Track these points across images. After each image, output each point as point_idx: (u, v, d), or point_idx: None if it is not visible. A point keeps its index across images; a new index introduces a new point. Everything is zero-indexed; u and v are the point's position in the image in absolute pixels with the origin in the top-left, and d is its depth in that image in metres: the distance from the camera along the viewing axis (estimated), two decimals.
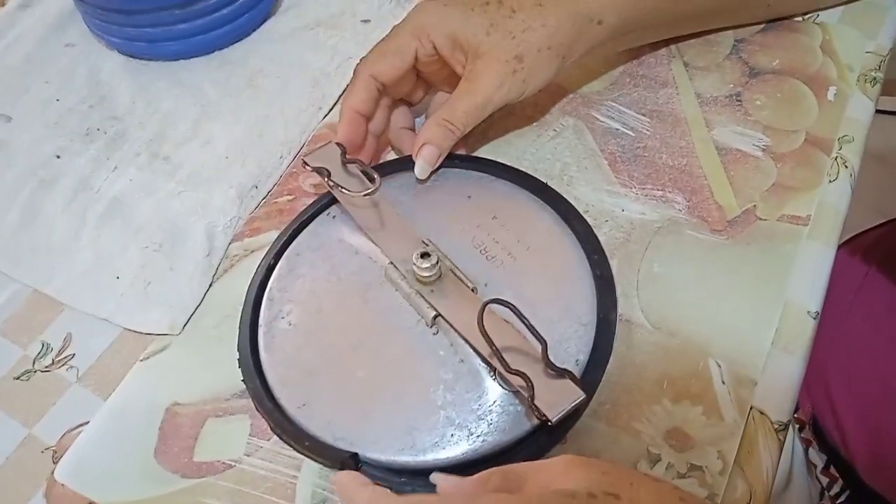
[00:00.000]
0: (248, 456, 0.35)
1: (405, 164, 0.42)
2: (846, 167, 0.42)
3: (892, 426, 0.47)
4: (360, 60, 0.41)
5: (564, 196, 0.41)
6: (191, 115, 0.47)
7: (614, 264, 0.39)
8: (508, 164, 0.43)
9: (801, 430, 0.52)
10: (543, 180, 0.42)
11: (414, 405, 0.34)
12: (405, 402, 0.34)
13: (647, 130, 0.45)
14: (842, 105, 0.45)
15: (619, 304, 0.37)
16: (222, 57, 0.50)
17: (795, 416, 0.52)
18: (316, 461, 0.34)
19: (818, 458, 0.51)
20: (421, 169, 0.40)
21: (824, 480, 0.50)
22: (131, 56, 0.51)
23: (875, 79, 0.46)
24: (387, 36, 0.41)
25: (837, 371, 0.51)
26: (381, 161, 0.45)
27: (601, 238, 0.40)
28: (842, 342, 0.52)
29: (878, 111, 0.46)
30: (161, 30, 0.49)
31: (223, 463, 0.35)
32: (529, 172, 0.42)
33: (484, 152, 0.45)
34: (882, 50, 0.47)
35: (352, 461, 0.33)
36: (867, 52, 0.47)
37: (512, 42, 0.39)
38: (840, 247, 0.58)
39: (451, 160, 0.42)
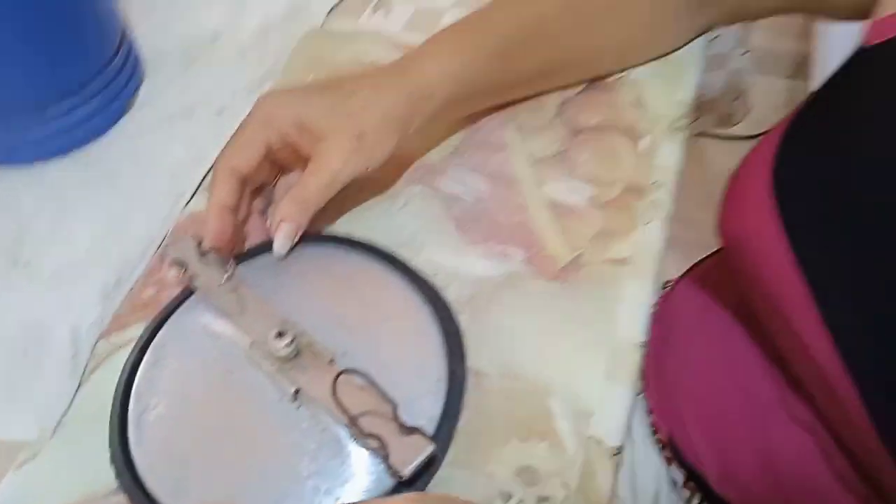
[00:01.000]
0: None
1: (265, 246, 0.45)
2: (659, 210, 0.48)
3: (732, 440, 0.52)
4: (218, 157, 0.44)
5: (414, 262, 0.44)
6: (50, 217, 0.48)
7: (464, 319, 0.43)
8: (364, 235, 0.46)
9: (662, 449, 0.57)
10: (394, 248, 0.45)
11: (281, 479, 0.37)
12: (273, 477, 0.37)
13: (487, 192, 0.49)
14: (653, 154, 0.51)
15: (470, 356, 0.41)
16: (79, 156, 0.52)
17: (657, 436, 0.57)
18: None
19: (678, 474, 0.55)
20: (280, 245, 0.43)
21: (685, 494, 0.55)
22: None
23: (681, 127, 0.52)
24: (238, 129, 0.44)
25: (685, 393, 0.56)
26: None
27: (451, 296, 0.43)
28: (688, 365, 0.57)
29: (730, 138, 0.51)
30: (16, 135, 0.50)
31: None
32: (383, 241, 0.45)
33: (341, 223, 0.48)
34: (686, 100, 0.54)
35: None
36: (674, 104, 0.53)
37: (352, 121, 0.43)
38: (683, 276, 0.65)
39: (307, 239, 0.45)
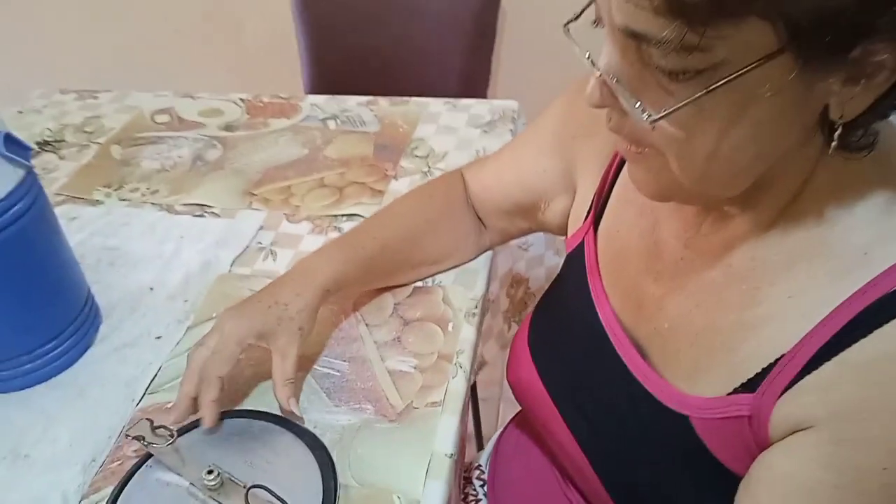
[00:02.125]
0: None
1: (196, 423, 0.66)
2: (461, 368, 0.73)
3: None
4: (205, 366, 0.65)
5: (301, 423, 0.67)
6: (39, 425, 0.68)
7: (335, 453, 0.64)
8: (265, 408, 0.68)
9: None
10: (286, 416, 0.67)
11: None
12: None
13: (347, 370, 0.73)
14: (457, 333, 0.77)
15: (339, 475, 0.63)
16: (57, 381, 0.73)
17: None
18: None
19: None
20: (295, 406, 0.66)
21: None
22: None
23: (474, 314, 0.79)
24: (217, 345, 0.65)
25: (509, 496, 0.78)
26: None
27: (325, 441, 0.65)
28: (509, 483, 0.79)
29: None
30: (11, 371, 0.71)
31: None
32: (277, 411, 0.68)
33: (253, 398, 0.70)
34: (477, 296, 0.81)
35: None
36: (468, 300, 0.80)
37: (293, 322, 0.67)
38: (514, 418, 0.89)
39: (228, 413, 0.67)
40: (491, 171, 0.81)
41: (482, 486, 0.84)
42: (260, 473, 0.61)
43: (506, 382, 0.74)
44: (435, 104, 1.17)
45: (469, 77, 1.54)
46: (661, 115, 0.43)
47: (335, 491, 0.61)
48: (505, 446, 0.84)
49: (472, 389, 1.36)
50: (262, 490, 0.57)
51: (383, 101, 1.18)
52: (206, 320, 0.79)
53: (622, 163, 0.66)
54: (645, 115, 0.44)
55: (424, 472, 0.63)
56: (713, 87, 0.41)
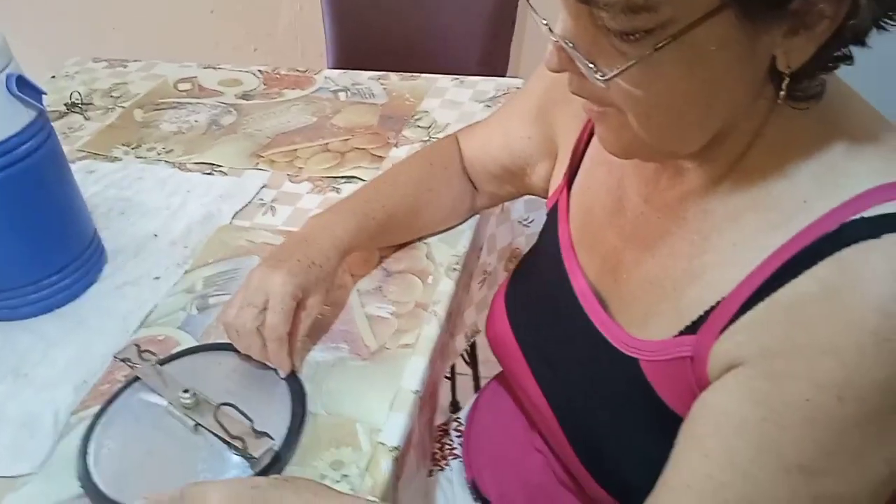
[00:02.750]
0: None
1: (179, 353, 0.71)
2: (436, 315, 0.76)
3: (506, 475, 0.77)
4: (248, 318, 0.66)
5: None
6: (39, 349, 0.74)
7: (308, 387, 0.68)
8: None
9: (470, 488, 0.80)
10: None
11: (185, 475, 0.60)
12: (181, 473, 0.60)
13: (328, 313, 0.77)
14: (436, 285, 0.80)
15: (309, 404, 0.67)
16: (61, 312, 0.78)
17: (468, 479, 0.81)
18: None
19: None
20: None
21: None
22: None
23: (455, 269, 0.82)
24: (276, 303, 0.66)
25: (482, 450, 0.81)
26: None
27: (300, 375, 0.69)
28: (485, 431, 0.82)
29: None
30: (19, 300, 0.77)
31: None
32: None
33: None
34: (459, 253, 0.84)
35: None
36: (450, 256, 0.84)
37: (324, 282, 0.71)
38: (496, 376, 0.92)
39: (212, 346, 0.71)
40: (481, 137, 0.84)
41: (458, 437, 0.87)
42: (233, 398, 0.66)
43: None
44: (443, 80, 1.20)
45: (488, 59, 1.58)
46: (612, 74, 0.46)
47: (303, 416, 0.65)
48: (482, 401, 0.87)
49: (473, 356, 1.40)
50: (231, 409, 0.62)
51: (394, 76, 1.22)
52: (202, 265, 0.84)
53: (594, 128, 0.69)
54: (599, 76, 0.46)
55: (389, 405, 0.67)
56: (661, 45, 0.43)
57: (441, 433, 0.89)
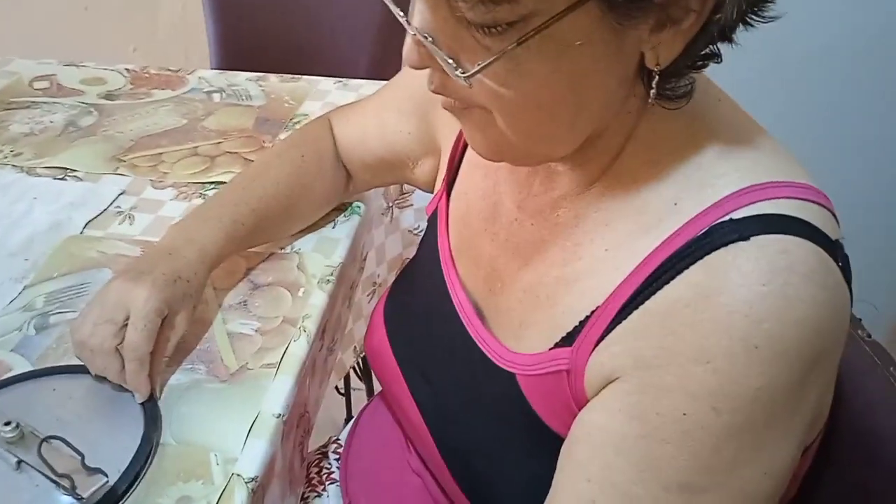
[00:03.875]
0: None
1: (20, 377, 0.63)
2: (304, 331, 0.71)
3: (384, 499, 0.72)
4: (106, 337, 0.60)
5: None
6: None
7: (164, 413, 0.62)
8: None
9: None
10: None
11: None
12: None
13: (186, 332, 0.70)
14: (307, 298, 0.75)
15: (163, 434, 0.60)
16: None
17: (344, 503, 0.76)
18: None
19: None
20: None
21: None
22: None
23: (329, 280, 0.77)
24: (138, 320, 0.60)
25: (358, 468, 0.76)
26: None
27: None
28: (362, 448, 0.78)
29: None
30: None
31: None
32: None
33: None
34: (333, 264, 0.79)
35: None
36: (324, 267, 0.79)
37: (192, 299, 0.66)
38: (378, 394, 0.87)
39: (51, 371, 0.64)
40: (356, 127, 0.80)
41: (337, 459, 0.82)
42: (70, 428, 0.58)
43: None
44: (325, 83, 1.15)
45: (380, 62, 1.53)
46: (475, 70, 0.42)
47: (155, 445, 0.58)
48: (363, 420, 0.82)
49: (366, 370, 1.35)
50: (59, 442, 0.54)
51: (274, 78, 1.16)
52: (45, 279, 0.75)
53: None
54: (460, 72, 0.43)
55: (247, 432, 0.61)
56: (524, 38, 0.40)
57: (320, 456, 0.84)
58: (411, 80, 0.74)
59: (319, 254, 0.80)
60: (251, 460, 0.59)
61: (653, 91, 0.46)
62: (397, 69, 1.62)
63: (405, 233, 1.10)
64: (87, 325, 0.61)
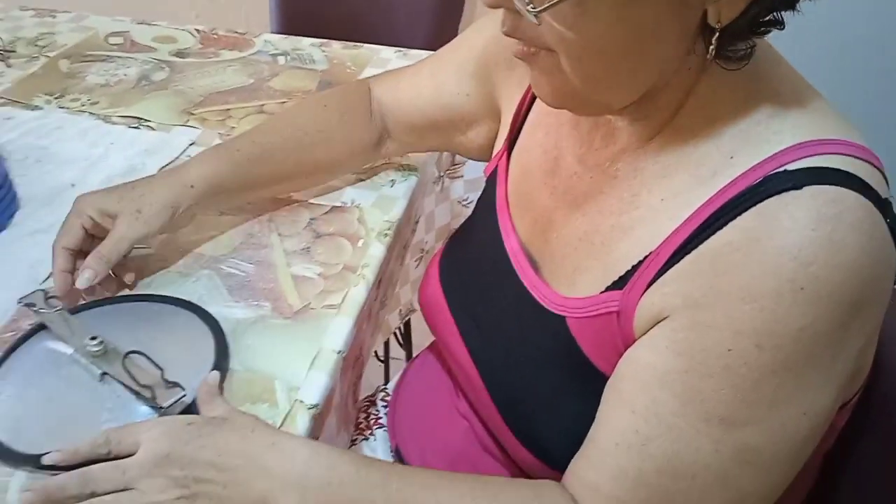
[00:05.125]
0: None
1: (91, 303, 0.68)
2: (364, 278, 0.74)
3: (428, 441, 0.75)
4: (55, 240, 0.67)
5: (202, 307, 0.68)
6: None
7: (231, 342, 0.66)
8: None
9: (393, 455, 0.79)
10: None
11: (88, 425, 0.57)
12: (82, 423, 0.57)
13: (252, 271, 0.74)
14: (366, 248, 0.78)
15: (231, 361, 0.64)
16: None
17: (391, 445, 0.80)
18: (23, 468, 0.55)
19: None
20: (81, 282, 0.65)
21: None
22: None
23: (387, 234, 0.80)
24: (64, 220, 0.68)
25: (406, 419, 0.79)
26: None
27: (225, 329, 0.67)
28: (411, 400, 0.81)
29: None
30: None
31: None
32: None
33: (157, 289, 0.71)
34: (392, 220, 0.82)
35: (38, 458, 0.54)
36: (382, 222, 0.82)
37: (133, 204, 0.68)
38: (428, 347, 0.91)
39: (128, 297, 0.68)
40: (407, 88, 0.82)
41: (385, 406, 0.85)
42: (146, 348, 0.63)
43: None
44: (386, 51, 1.18)
45: (437, 33, 1.56)
46: (544, 6, 0.45)
47: (224, 371, 0.63)
48: (411, 371, 0.86)
49: (407, 337, 1.38)
50: (141, 357, 0.59)
51: (336, 45, 1.20)
52: None
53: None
54: (531, 7, 0.46)
55: (309, 364, 0.65)
56: None
57: (368, 403, 0.87)
58: (474, 42, 0.77)
59: (378, 209, 0.84)
60: (313, 389, 0.63)
61: (712, 48, 0.48)
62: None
63: (454, 203, 1.13)
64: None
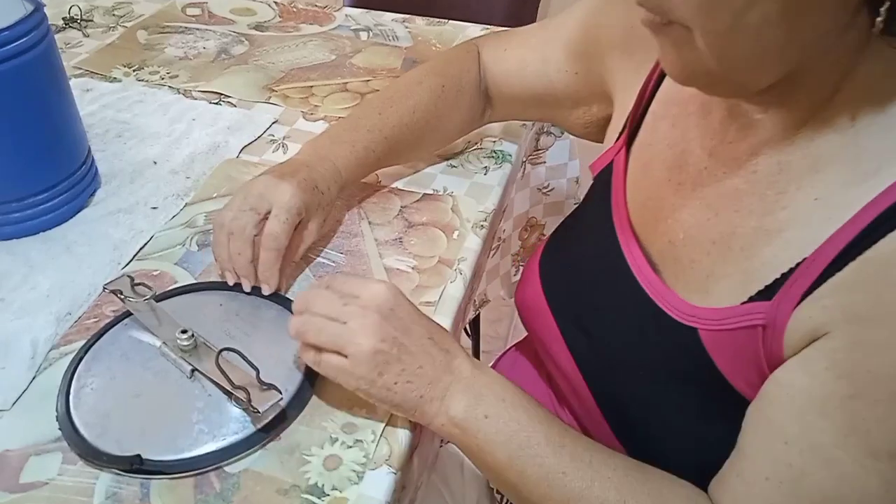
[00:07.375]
0: (60, 476, 0.52)
1: (177, 289, 0.64)
2: (461, 274, 0.69)
3: None
4: (247, 223, 0.61)
5: (289, 298, 0.64)
6: (20, 273, 0.66)
7: None
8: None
9: None
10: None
11: (178, 425, 0.53)
12: (171, 423, 0.53)
13: (343, 261, 0.70)
14: (462, 241, 0.73)
15: None
16: (46, 236, 0.70)
17: None
18: (110, 469, 0.51)
19: None
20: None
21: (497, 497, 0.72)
22: None
23: (483, 226, 0.75)
24: (281, 213, 0.61)
25: None
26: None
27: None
28: None
29: None
30: (0, 218, 0.69)
31: (41, 482, 0.51)
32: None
33: None
34: (487, 210, 0.77)
35: (137, 459, 0.50)
36: (478, 212, 0.77)
37: (325, 210, 0.67)
38: (516, 344, 0.85)
39: (216, 286, 0.64)
40: (514, 59, 0.77)
41: None
42: (235, 344, 0.58)
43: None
44: (473, 28, 1.12)
45: (514, 15, 1.49)
46: None
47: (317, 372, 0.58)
48: (498, 370, 0.81)
49: (476, 328, 1.34)
50: (235, 355, 0.54)
51: (420, 20, 1.14)
52: (205, 199, 0.76)
53: (659, 80, 0.62)
54: None
55: None
56: None
57: None
58: (582, 19, 0.71)
59: (473, 199, 0.78)
60: None
61: (879, 20, 0.41)
62: (531, 20, 1.58)
63: (534, 190, 1.07)
64: (231, 210, 0.62)
